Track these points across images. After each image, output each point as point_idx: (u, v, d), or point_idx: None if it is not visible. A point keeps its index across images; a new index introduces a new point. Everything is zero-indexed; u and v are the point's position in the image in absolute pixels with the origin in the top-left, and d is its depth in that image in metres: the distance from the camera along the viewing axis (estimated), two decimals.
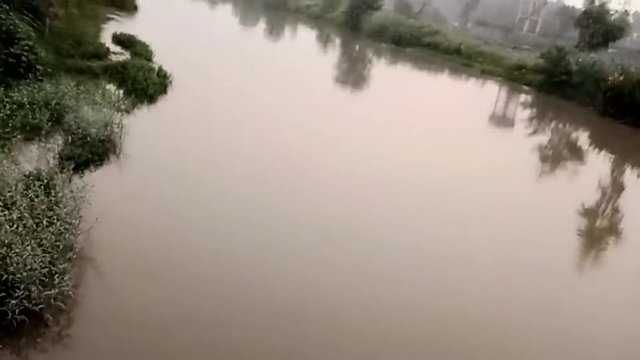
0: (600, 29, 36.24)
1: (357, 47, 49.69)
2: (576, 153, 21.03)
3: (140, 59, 18.48)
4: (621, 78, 26.88)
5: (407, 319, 7.48)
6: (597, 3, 37.05)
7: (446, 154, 16.14)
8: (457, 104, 27.17)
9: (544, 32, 75.64)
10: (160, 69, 17.55)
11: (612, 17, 36.72)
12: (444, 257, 9.38)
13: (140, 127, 12.52)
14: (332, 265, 8.40)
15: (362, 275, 8.33)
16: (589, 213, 13.56)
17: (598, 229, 12.91)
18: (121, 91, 14.83)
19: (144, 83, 15.43)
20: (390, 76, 35.06)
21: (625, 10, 38.43)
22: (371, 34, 52.81)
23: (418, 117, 21.30)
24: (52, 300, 5.97)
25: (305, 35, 54.65)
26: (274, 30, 52.03)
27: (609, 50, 39.84)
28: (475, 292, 8.48)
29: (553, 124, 27.61)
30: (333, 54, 43.49)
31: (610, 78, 27.49)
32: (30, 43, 13.80)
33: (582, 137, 24.97)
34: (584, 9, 38.65)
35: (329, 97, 22.74)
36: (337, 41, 52.85)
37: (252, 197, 10.12)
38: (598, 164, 19.83)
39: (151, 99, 15.16)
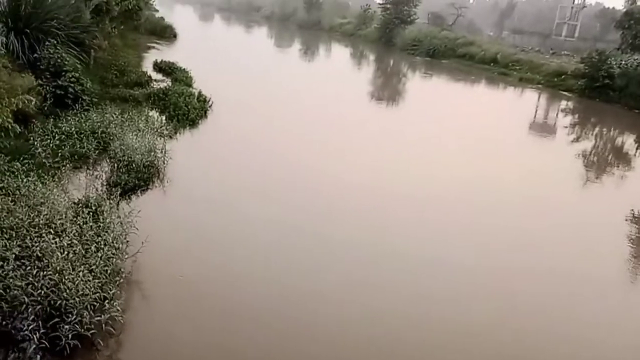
0: None
1: (391, 62, 49.72)
2: (623, 158, 20.25)
3: (180, 85, 19.09)
4: None
5: (482, 346, 7.22)
6: (639, 3, 35.88)
7: (488, 165, 15.86)
8: (496, 113, 26.72)
9: (583, 36, 73.68)
10: (200, 94, 18.06)
11: None
12: (503, 273, 9.17)
13: (183, 152, 12.89)
14: (388, 290, 8.17)
15: (422, 299, 8.05)
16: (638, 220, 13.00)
17: None
18: (163, 117, 15.36)
19: (185, 108, 15.91)
20: (426, 88, 34.87)
21: None
22: (405, 47, 52.84)
23: (457, 128, 21.02)
24: (102, 325, 6.16)
25: (340, 53, 55.10)
26: (309, 50, 52.71)
27: None
28: (547, 308, 8.28)
29: (597, 129, 26.72)
30: (368, 69, 43.62)
31: None
32: (77, 75, 14.49)
33: (629, 141, 24.04)
34: (625, 9, 37.45)
35: (366, 113, 22.78)
36: (372, 57, 53.02)
37: (294, 223, 10.09)
38: None
39: (192, 124, 15.61)
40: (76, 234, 7.22)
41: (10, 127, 4.45)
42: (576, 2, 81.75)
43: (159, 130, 13.56)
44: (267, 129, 16.79)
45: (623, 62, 30.76)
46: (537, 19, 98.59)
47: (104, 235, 7.42)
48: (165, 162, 11.70)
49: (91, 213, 7.95)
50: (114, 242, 7.39)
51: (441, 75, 40.46)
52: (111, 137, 12.01)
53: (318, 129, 17.82)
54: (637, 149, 22.49)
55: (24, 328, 5.64)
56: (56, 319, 5.90)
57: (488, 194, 13.15)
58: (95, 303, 6.22)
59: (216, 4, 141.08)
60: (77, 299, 6.05)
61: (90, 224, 7.57)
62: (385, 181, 13.18)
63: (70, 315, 5.91)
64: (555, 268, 9.55)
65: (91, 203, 8.40)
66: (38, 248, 6.63)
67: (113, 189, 9.59)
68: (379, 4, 64.93)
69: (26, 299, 5.84)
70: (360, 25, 68.55)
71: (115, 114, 13.32)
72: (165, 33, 39.58)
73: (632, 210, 13.25)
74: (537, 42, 60.80)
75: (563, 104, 31.61)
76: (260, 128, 16.78)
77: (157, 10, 48.21)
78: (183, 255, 8.36)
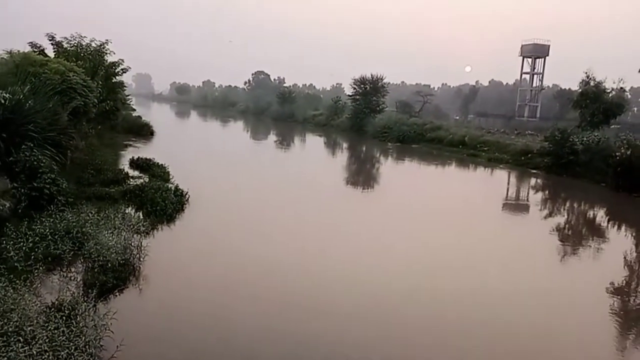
0: (600, 108, 37.22)
1: (364, 148, 51.24)
2: (596, 230, 20.66)
3: (157, 181, 19.23)
4: (629, 152, 27.13)
5: None
6: (592, 84, 38.38)
7: (462, 246, 15.99)
8: (468, 193, 27.38)
9: (544, 116, 77.98)
10: (176, 188, 18.17)
11: (610, 95, 37.82)
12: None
13: (160, 249, 12.71)
14: None
15: None
16: (620, 291, 13.05)
17: (633, 307, 12.33)
18: (140, 213, 15.30)
19: (162, 204, 15.91)
20: (398, 172, 35.79)
21: (621, 88, 39.64)
22: (376, 134, 54.92)
23: (431, 209, 21.40)
24: None
25: (314, 142, 56.69)
26: (285, 141, 54.19)
27: (612, 127, 40.64)
28: None
29: (568, 203, 27.46)
30: (342, 156, 44.80)
31: (617, 154, 27.78)
32: (53, 176, 14.50)
33: (600, 214, 24.68)
34: (580, 90, 39.95)
35: (341, 198, 23.12)
36: (345, 145, 54.65)
37: (279, 327, 9.55)
38: (620, 239, 19.42)
39: (170, 218, 15.56)
40: (47, 340, 6.90)
41: None
42: (535, 85, 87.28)
43: (135, 227, 13.41)
44: (244, 221, 16.80)
45: (585, 139, 32.31)
46: (500, 102, 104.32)
47: (76, 340, 7.11)
48: (142, 259, 11.49)
49: (64, 317, 7.66)
50: (87, 347, 7.08)
51: (413, 158, 41.75)
52: (86, 237, 11.83)
53: (298, 220, 17.89)
54: (608, 221, 23.03)
55: None
56: None
57: (467, 274, 13.16)
58: None
59: (192, 101, 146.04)
60: None
61: (63, 328, 7.27)
62: (368, 273, 13.11)
63: None
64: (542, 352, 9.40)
65: (64, 306, 8.12)
66: (6, 358, 6.30)
67: (88, 290, 9.31)
68: (349, 95, 68.19)
69: None
70: (333, 116, 71.44)
71: (91, 213, 13.20)
72: (142, 131, 40.47)
73: (612, 282, 13.34)
74: (501, 123, 63.92)
75: (532, 181, 32.66)
76: (237, 221, 16.77)
77: (134, 110, 49.66)
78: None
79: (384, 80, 65.06)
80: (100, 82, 27.33)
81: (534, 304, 11.51)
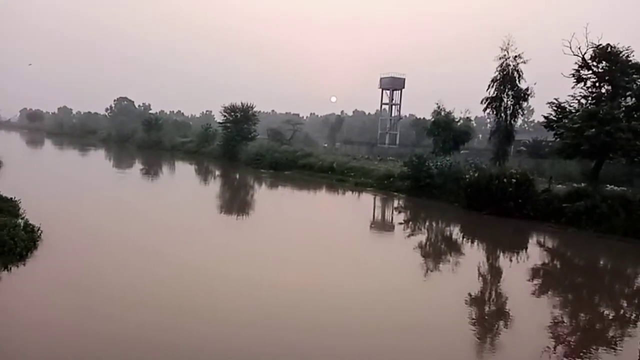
0: (450, 135, 41.09)
1: (237, 175, 50.93)
2: (453, 246, 22.60)
3: (3, 216, 17.15)
4: (476, 175, 30.27)
5: None
6: (443, 114, 42.32)
7: (334, 267, 16.50)
8: (338, 216, 28.48)
9: (403, 143, 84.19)
10: (26, 224, 16.36)
11: (458, 124, 41.98)
12: None
13: (10, 292, 11.30)
14: None
15: None
16: (477, 301, 14.35)
17: (489, 315, 13.61)
18: None
19: (10, 242, 14.20)
20: (272, 198, 36.09)
21: (468, 117, 44.26)
22: (249, 162, 55.01)
23: (302, 233, 21.85)
24: None
25: (184, 171, 55.01)
26: (151, 170, 51.76)
27: (462, 152, 45.09)
28: None
29: (427, 222, 29.73)
30: (214, 184, 43.99)
31: (467, 176, 30.86)
32: None
33: (455, 231, 27.07)
34: (432, 119, 43.83)
35: (212, 226, 22.65)
36: (217, 172, 53.82)
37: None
38: (473, 253, 21.46)
39: (20, 257, 13.93)
40: None
41: None
42: (393, 114, 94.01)
43: None
44: (103, 255, 15.56)
45: (439, 163, 35.39)
46: (363, 130, 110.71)
47: None
48: None
49: None
50: None
51: (286, 185, 42.41)
52: None
53: (167, 251, 17.03)
54: (463, 237, 25.35)
55: None
56: None
57: (338, 296, 13.59)
58: None
59: (46, 128, 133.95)
60: None
61: None
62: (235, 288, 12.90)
63: None
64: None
65: None
66: None
67: None
68: (219, 123, 67.58)
69: None
70: (203, 143, 70.10)
71: None
72: None
73: (470, 294, 14.63)
74: (365, 150, 67.63)
75: (395, 202, 34.92)
76: (94, 255, 15.47)
77: None
78: None
79: (255, 109, 65.67)
80: None
81: (398, 310, 12.20)
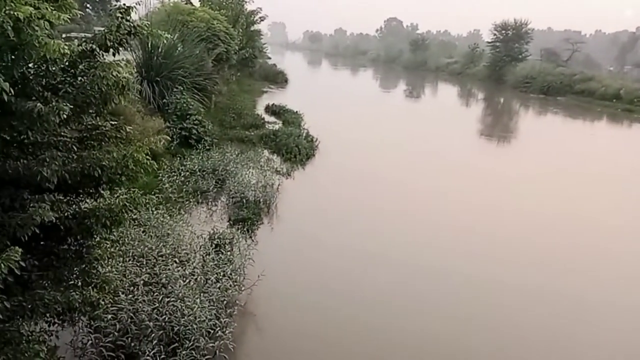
0: None
1: (502, 100, 48.06)
2: None
3: (289, 127, 19.90)
4: None
5: None
6: None
7: (614, 210, 14.54)
8: (623, 152, 24.60)
9: None
10: (307, 134, 18.66)
11: None
12: None
13: (291, 190, 13.28)
14: None
15: None
16: None
17: None
18: (275, 156, 16.11)
19: (295, 149, 16.53)
20: (542, 126, 33.07)
21: None
22: (517, 85, 51.11)
23: (580, 169, 19.63)
24: (216, 352, 6.34)
25: (446, 92, 54.44)
26: (415, 91, 52.66)
27: None
28: None
29: None
30: (477, 108, 42.50)
31: None
32: (200, 118, 15.70)
33: None
34: None
35: (474, 153, 22.07)
36: (481, 95, 51.72)
37: (402, 259, 9.83)
38: None
39: (301, 163, 16.14)
40: (198, 265, 7.62)
41: (148, 164, 4.89)
42: None
43: (273, 169, 14.26)
44: (372, 169, 16.74)
45: None
46: None
47: (224, 267, 7.76)
48: (276, 198, 12.09)
49: (213, 245, 8.39)
50: (232, 274, 7.69)
51: (558, 113, 38.24)
52: (228, 175, 12.72)
53: (428, 170, 17.48)
54: None
55: (148, 352, 5.97)
56: (175, 344, 6.19)
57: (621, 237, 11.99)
58: (210, 330, 6.44)
59: (324, 49, 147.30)
60: (194, 326, 6.30)
61: (212, 255, 7.97)
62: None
63: (187, 341, 6.16)
64: None
65: (213, 236, 8.85)
66: (164, 275, 7.09)
67: (233, 223, 10.07)
68: (488, 42, 63.85)
69: (151, 324, 6.20)
70: (468, 64, 67.64)
71: (235, 154, 14.23)
72: (277, 78, 41.88)
73: None
74: None
75: None
76: (363, 168, 16.74)
77: (269, 58, 51.45)
78: (295, 289, 8.42)
79: (529, 26, 59.70)
80: (241, 30, 28.55)
81: None
